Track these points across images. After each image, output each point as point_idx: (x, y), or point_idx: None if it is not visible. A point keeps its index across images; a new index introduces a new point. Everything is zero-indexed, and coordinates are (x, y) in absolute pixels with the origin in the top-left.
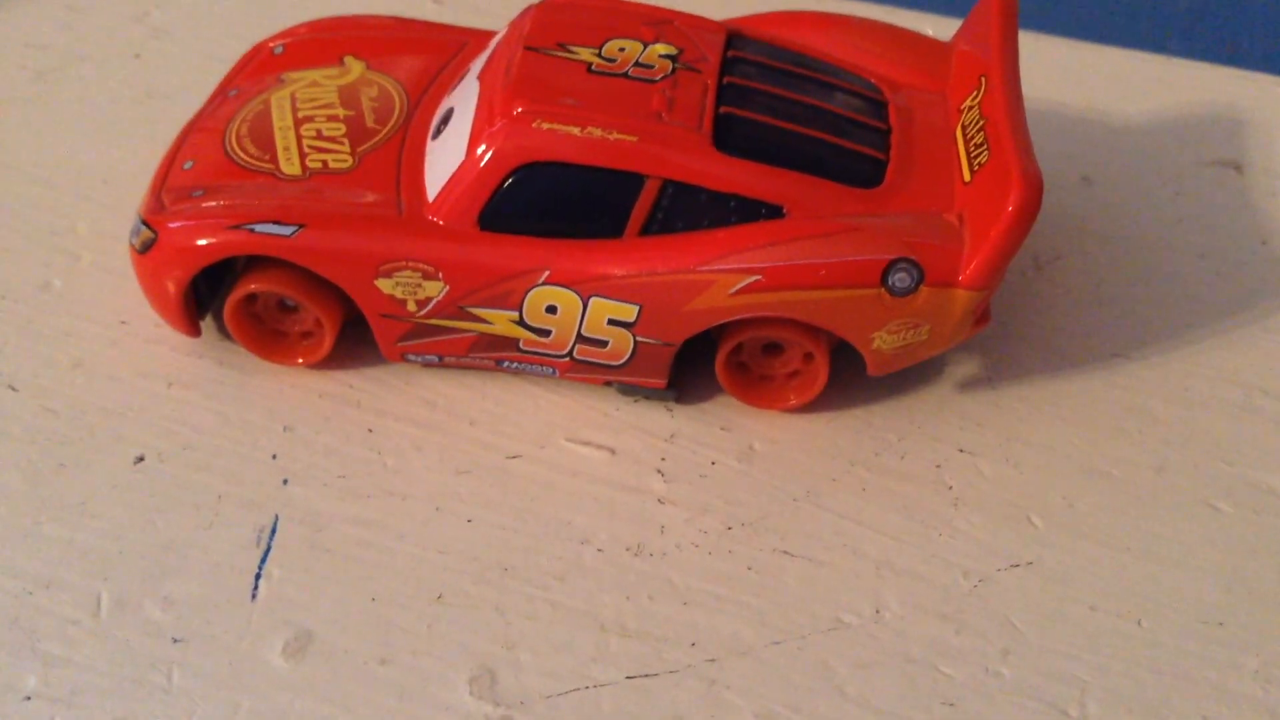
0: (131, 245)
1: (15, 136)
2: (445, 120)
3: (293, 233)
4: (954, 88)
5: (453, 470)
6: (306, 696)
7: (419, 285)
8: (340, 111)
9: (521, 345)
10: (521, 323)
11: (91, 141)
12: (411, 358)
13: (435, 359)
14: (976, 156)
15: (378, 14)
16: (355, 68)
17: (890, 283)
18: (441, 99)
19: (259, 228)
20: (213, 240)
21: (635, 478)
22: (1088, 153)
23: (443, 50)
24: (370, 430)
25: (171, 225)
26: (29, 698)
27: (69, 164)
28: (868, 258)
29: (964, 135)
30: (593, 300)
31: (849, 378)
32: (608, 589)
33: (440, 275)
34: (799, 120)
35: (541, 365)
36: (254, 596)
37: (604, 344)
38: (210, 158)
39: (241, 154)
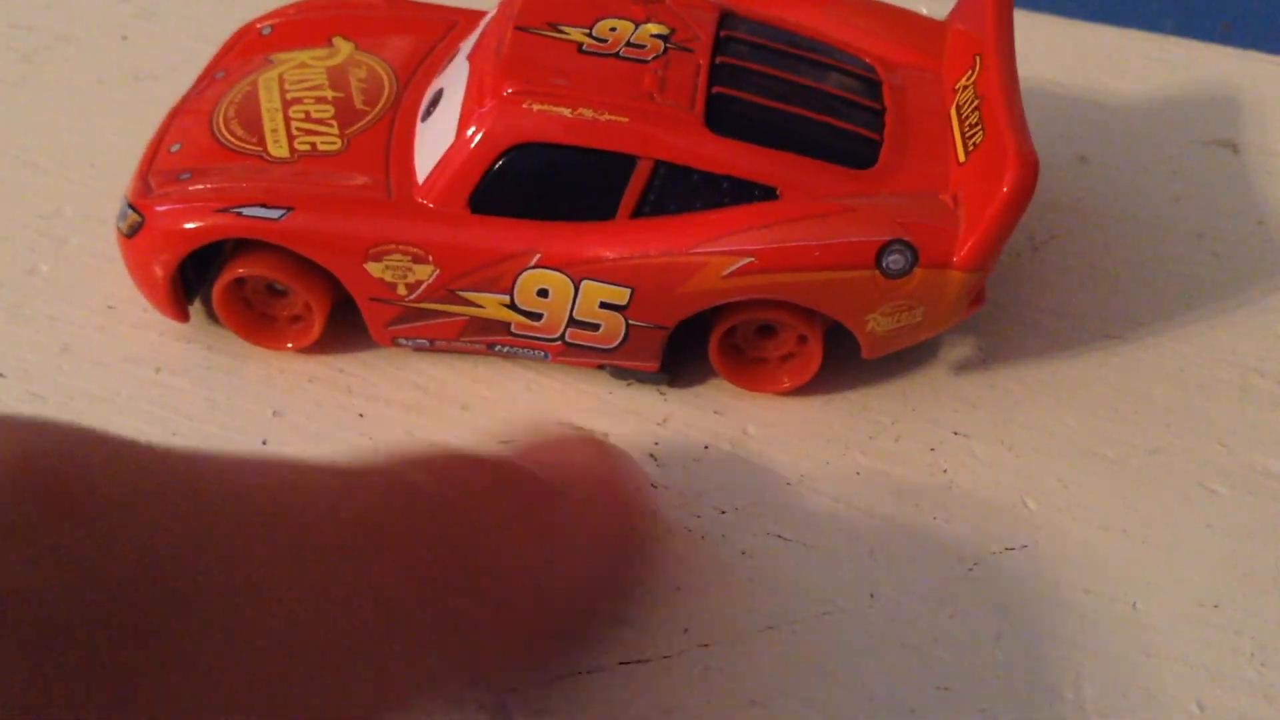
0: (118, 229)
1: (0, 119)
2: (435, 102)
3: (280, 216)
4: (949, 67)
5: None
6: None
7: (409, 268)
8: (329, 93)
9: (513, 329)
10: (513, 306)
11: (78, 124)
12: (402, 342)
13: (426, 343)
14: (971, 136)
15: None
16: (344, 49)
17: (884, 264)
18: (431, 80)
19: (246, 211)
20: (200, 224)
21: None
22: (1083, 132)
23: (432, 30)
24: (361, 415)
25: (158, 209)
26: None
27: (55, 147)
28: (861, 239)
29: (959, 115)
30: (584, 283)
31: (843, 360)
32: None
33: (430, 258)
34: (793, 100)
35: (533, 349)
36: None
37: (596, 327)
38: (197, 140)
39: (229, 136)
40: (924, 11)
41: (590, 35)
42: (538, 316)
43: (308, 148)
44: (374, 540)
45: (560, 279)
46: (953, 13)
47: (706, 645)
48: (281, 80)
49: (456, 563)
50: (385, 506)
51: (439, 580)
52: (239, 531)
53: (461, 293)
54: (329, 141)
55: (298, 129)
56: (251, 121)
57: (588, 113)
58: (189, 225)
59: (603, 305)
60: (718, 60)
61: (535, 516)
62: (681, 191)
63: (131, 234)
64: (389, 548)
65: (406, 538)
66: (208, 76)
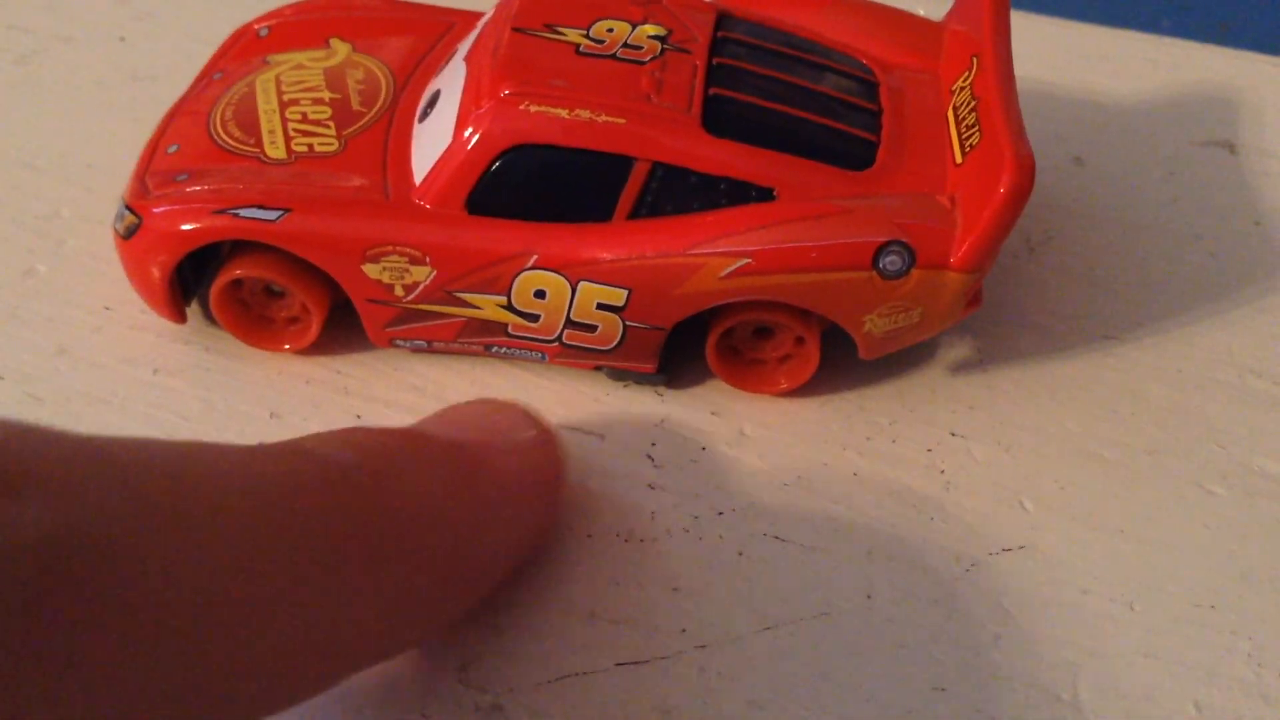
0: (115, 230)
1: None
2: (432, 103)
3: (278, 217)
4: (946, 68)
5: None
6: None
7: (406, 270)
8: (326, 94)
9: (510, 330)
10: (510, 307)
11: (76, 125)
12: (400, 343)
13: (423, 344)
14: (968, 138)
15: None
16: (341, 50)
17: (881, 265)
18: (428, 81)
19: (244, 212)
20: (197, 225)
21: (625, 463)
22: (1080, 133)
23: (430, 32)
24: (358, 416)
25: (155, 210)
26: None
27: (53, 148)
28: (859, 240)
29: (955, 116)
30: (581, 284)
31: (840, 361)
32: (598, 575)
33: (427, 260)
34: (790, 102)
35: (530, 350)
36: None
37: (593, 329)
38: (195, 142)
39: (226, 138)
40: (921, 12)
41: (587, 36)
42: (535, 318)
43: (305, 149)
44: (274, 508)
45: (557, 280)
46: (950, 14)
47: (703, 646)
48: (279, 81)
49: (370, 528)
50: (288, 477)
51: (349, 547)
52: (148, 503)
53: (459, 294)
54: (326, 143)
55: (295, 130)
56: (249, 123)
57: (585, 114)
58: (186, 227)
59: (600, 306)
60: (715, 61)
61: (444, 469)
62: (679, 193)
63: (128, 235)
64: (292, 516)
65: (314, 508)
66: (205, 78)
